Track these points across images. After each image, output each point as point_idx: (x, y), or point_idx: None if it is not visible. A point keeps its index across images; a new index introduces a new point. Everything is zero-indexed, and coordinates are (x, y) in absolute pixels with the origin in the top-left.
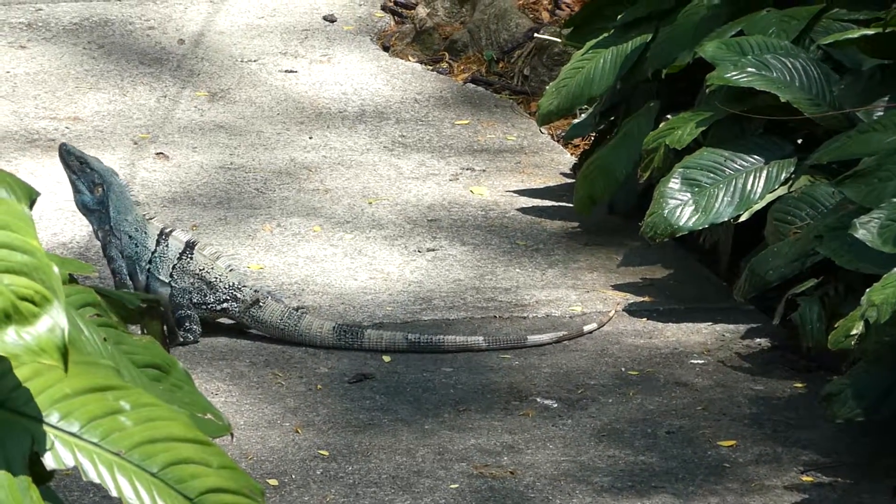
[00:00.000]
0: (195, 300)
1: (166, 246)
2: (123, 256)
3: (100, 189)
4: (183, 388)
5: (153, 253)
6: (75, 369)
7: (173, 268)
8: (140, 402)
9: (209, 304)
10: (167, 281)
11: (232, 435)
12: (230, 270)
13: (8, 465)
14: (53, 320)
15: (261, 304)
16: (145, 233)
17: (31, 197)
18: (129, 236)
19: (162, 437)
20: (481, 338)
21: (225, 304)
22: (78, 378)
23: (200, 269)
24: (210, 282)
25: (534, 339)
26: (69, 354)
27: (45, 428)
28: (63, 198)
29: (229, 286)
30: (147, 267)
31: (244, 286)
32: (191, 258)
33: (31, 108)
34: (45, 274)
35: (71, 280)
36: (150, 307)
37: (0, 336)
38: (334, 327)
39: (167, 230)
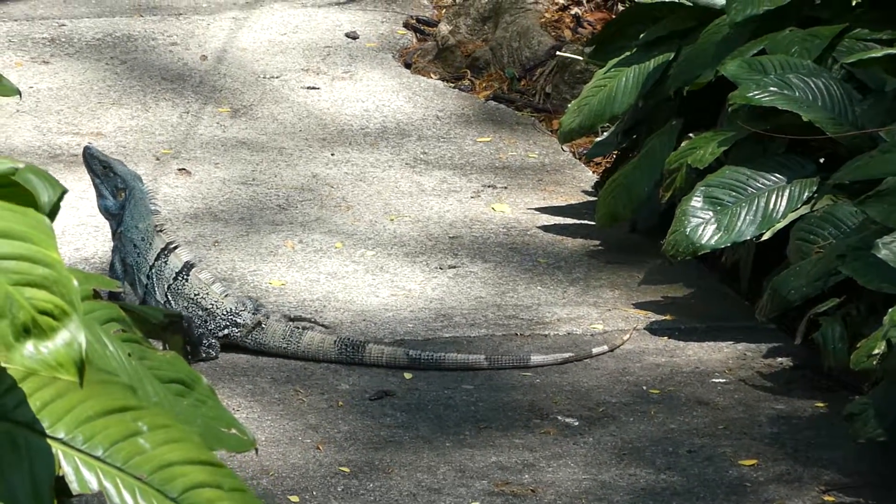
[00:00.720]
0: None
1: (165, 262)
2: (125, 265)
3: (122, 194)
4: (207, 403)
5: (151, 267)
6: (94, 389)
7: (168, 288)
8: (156, 423)
9: (210, 330)
10: (162, 303)
11: (256, 450)
12: (225, 296)
13: (35, 487)
14: (71, 334)
15: (262, 326)
16: (150, 244)
17: (61, 191)
18: (134, 245)
19: (179, 461)
20: (483, 356)
21: (226, 331)
22: (98, 399)
23: (195, 295)
24: (206, 308)
25: (537, 359)
26: (86, 371)
27: (71, 451)
28: (86, 213)
29: (227, 312)
30: (146, 283)
31: (243, 311)
32: (185, 280)
33: (54, 124)
34: (65, 287)
35: (95, 295)
36: (172, 322)
37: (18, 350)
38: (335, 342)
39: (171, 245)
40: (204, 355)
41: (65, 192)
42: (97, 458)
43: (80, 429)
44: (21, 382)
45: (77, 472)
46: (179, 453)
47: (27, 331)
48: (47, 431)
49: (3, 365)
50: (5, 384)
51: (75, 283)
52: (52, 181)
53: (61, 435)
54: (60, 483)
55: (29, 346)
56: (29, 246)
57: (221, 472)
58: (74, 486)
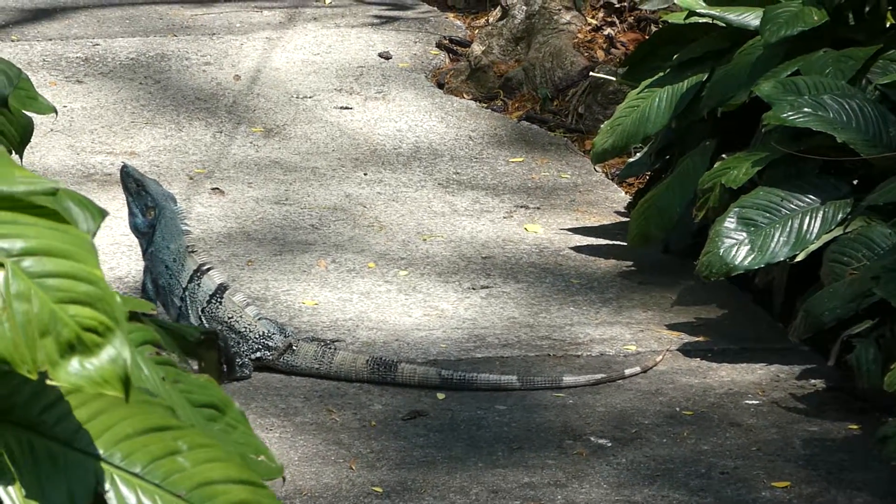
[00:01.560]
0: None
1: (198, 285)
2: (157, 286)
3: (152, 213)
4: (238, 428)
5: (184, 289)
6: (133, 408)
7: (202, 311)
8: (196, 442)
9: (242, 353)
10: (196, 325)
11: (284, 479)
12: (259, 319)
13: None
14: (116, 350)
15: (294, 348)
16: (182, 265)
17: (102, 215)
18: (166, 266)
19: (219, 479)
20: (515, 377)
21: (258, 354)
22: (138, 418)
23: (229, 318)
24: (240, 331)
25: (569, 380)
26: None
27: (109, 468)
28: (119, 232)
29: (260, 335)
30: (179, 305)
31: (274, 334)
32: (220, 303)
33: (88, 143)
34: (109, 304)
35: (131, 317)
36: (207, 339)
37: (64, 367)
38: (367, 361)
39: (204, 267)
40: (238, 374)
41: (104, 216)
42: (136, 476)
43: (118, 446)
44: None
45: (116, 489)
46: (219, 472)
47: (72, 348)
48: (86, 449)
49: (49, 382)
50: (46, 401)
51: (118, 299)
52: (92, 208)
53: (100, 452)
54: (99, 500)
55: (74, 363)
56: (72, 263)
57: (261, 491)
58: (113, 503)
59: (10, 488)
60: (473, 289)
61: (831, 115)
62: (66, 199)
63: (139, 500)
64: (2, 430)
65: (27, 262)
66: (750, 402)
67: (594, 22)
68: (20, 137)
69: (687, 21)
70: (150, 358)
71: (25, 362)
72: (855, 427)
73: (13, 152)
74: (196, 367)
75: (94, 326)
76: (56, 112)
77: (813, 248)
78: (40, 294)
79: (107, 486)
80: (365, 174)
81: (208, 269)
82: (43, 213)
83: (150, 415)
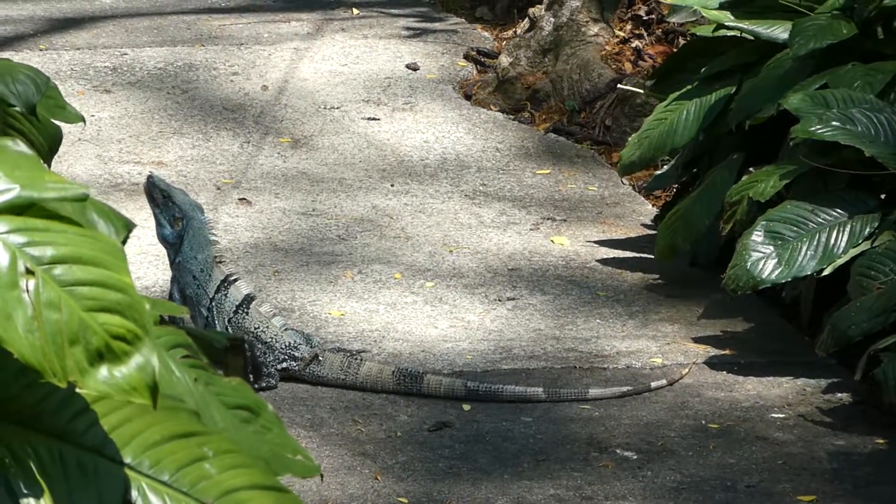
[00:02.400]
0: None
1: (225, 295)
2: (184, 296)
3: (180, 223)
4: (273, 429)
5: (211, 300)
6: (160, 415)
7: (228, 321)
8: (221, 448)
9: (269, 363)
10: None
11: (322, 476)
12: (285, 330)
13: None
14: (144, 359)
15: (320, 359)
16: (209, 276)
17: (128, 228)
18: (193, 276)
19: (244, 486)
20: (541, 389)
21: (284, 364)
22: (164, 424)
23: (255, 328)
24: (266, 342)
25: (595, 392)
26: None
27: (138, 476)
28: (146, 241)
29: (286, 346)
30: (206, 315)
31: (301, 344)
32: (246, 314)
33: (115, 152)
34: (138, 312)
35: (162, 321)
36: (233, 345)
37: (93, 374)
38: (393, 372)
39: (231, 278)
40: (264, 384)
41: (131, 229)
42: (163, 483)
43: (146, 454)
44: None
45: (144, 496)
46: (245, 478)
47: (101, 356)
48: (114, 456)
49: (78, 391)
50: (74, 408)
51: (147, 307)
52: (118, 220)
53: (128, 460)
54: None
55: (103, 371)
56: (101, 271)
57: (287, 497)
58: None
59: (41, 500)
60: (500, 300)
61: (860, 128)
62: (92, 210)
63: None
64: (32, 439)
65: (58, 271)
66: (776, 415)
67: (622, 34)
68: (48, 146)
69: (715, 34)
70: (182, 361)
71: (55, 371)
72: (882, 442)
73: (41, 161)
74: (223, 373)
75: (122, 334)
76: (84, 121)
77: (840, 262)
78: (70, 302)
79: (135, 494)
80: (392, 185)
81: (235, 280)
82: (72, 219)
83: (176, 420)
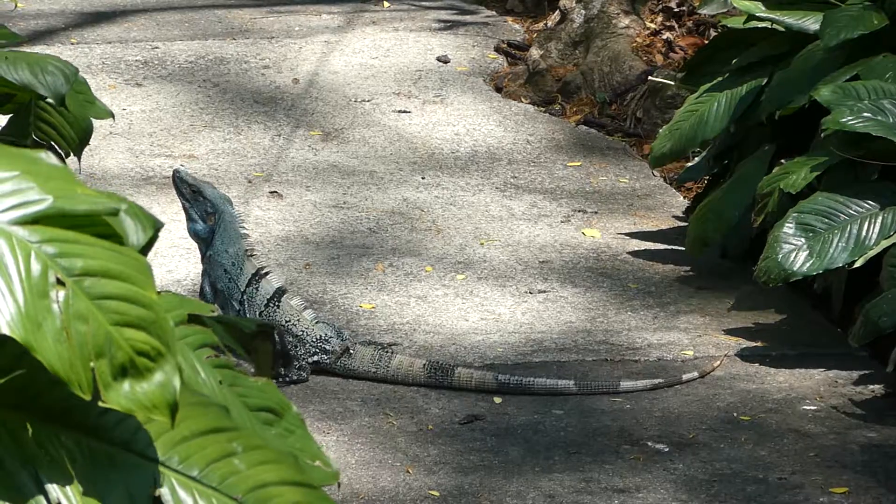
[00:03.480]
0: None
1: (256, 289)
2: (215, 290)
3: (212, 218)
4: (295, 432)
5: (242, 293)
6: (190, 411)
7: (260, 315)
8: (251, 444)
9: (300, 356)
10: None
11: (339, 484)
12: (316, 323)
13: None
14: (166, 376)
15: (351, 352)
16: (241, 269)
17: (155, 227)
18: (225, 270)
19: (274, 481)
20: (572, 381)
21: (315, 357)
22: (194, 420)
23: (287, 321)
24: (297, 335)
25: (627, 385)
26: (180, 399)
27: (167, 471)
28: (178, 235)
29: (317, 339)
30: (238, 308)
31: (332, 337)
32: (277, 307)
33: (147, 146)
34: (162, 329)
35: (191, 319)
36: (262, 331)
37: (115, 389)
38: (424, 365)
39: (262, 271)
40: (295, 377)
41: (159, 228)
42: (193, 479)
43: (175, 449)
44: None
45: (173, 491)
46: (274, 474)
47: (124, 371)
48: (144, 452)
49: (101, 404)
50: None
51: (172, 324)
52: (146, 220)
53: (157, 455)
54: (157, 502)
55: (125, 386)
56: (128, 286)
57: (316, 493)
58: None
59: (67, 488)
60: (531, 293)
61: (891, 119)
62: (122, 211)
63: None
64: (62, 433)
65: (87, 283)
66: (808, 407)
67: (653, 26)
68: (79, 139)
69: (746, 25)
70: (207, 361)
71: (80, 382)
72: None
73: (71, 154)
74: (251, 369)
75: (146, 350)
76: (113, 116)
77: (872, 253)
78: (98, 315)
79: (165, 489)
80: (423, 178)
81: (266, 273)
82: (101, 231)
83: (206, 416)
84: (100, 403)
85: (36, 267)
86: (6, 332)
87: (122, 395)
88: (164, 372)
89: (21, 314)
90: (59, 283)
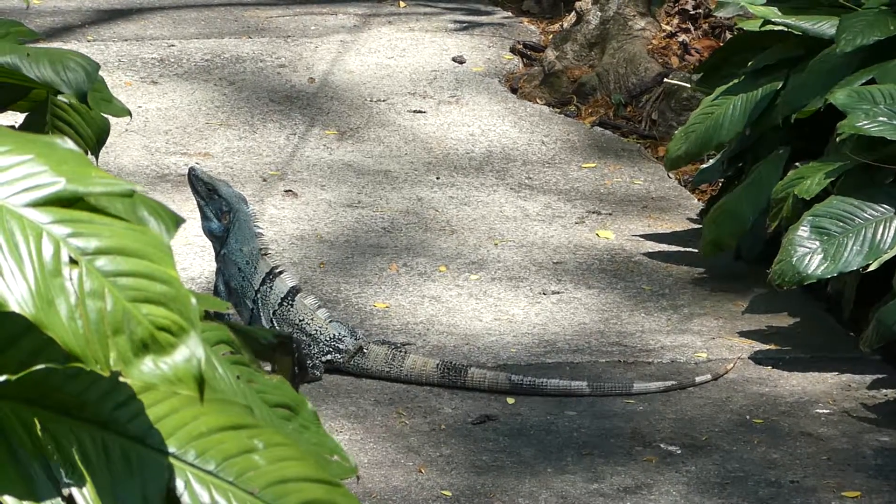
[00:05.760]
0: None
1: (270, 287)
2: (229, 288)
3: (227, 217)
4: (311, 428)
5: (256, 292)
6: (210, 407)
7: (273, 314)
8: (272, 441)
9: (312, 355)
10: (267, 328)
11: (358, 477)
12: (330, 322)
13: (146, 501)
14: (190, 350)
15: (364, 351)
16: (255, 268)
17: (177, 224)
18: (239, 268)
19: (293, 478)
20: (585, 383)
21: (328, 357)
22: (213, 416)
23: (300, 320)
24: (311, 334)
25: (640, 386)
26: (205, 387)
27: (183, 465)
28: (192, 232)
29: (330, 338)
30: (251, 307)
31: (345, 337)
32: (291, 306)
33: (162, 143)
34: (183, 304)
35: (206, 316)
36: (281, 343)
37: (137, 365)
38: (438, 365)
39: (277, 270)
40: (309, 377)
41: (179, 224)
42: (209, 473)
43: (192, 444)
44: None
45: (188, 486)
46: (294, 470)
47: (146, 346)
48: (159, 446)
49: (122, 380)
50: (118, 398)
51: (193, 300)
52: (167, 217)
53: (173, 450)
54: (172, 498)
55: (148, 362)
56: (146, 263)
57: (338, 491)
58: (185, 500)
59: (84, 489)
60: (544, 294)
61: None
62: (141, 206)
63: (212, 498)
64: (75, 428)
65: (101, 261)
66: (821, 411)
67: (668, 28)
68: (96, 138)
69: (762, 28)
70: (224, 357)
71: (98, 359)
72: None
73: (89, 153)
74: (269, 369)
75: (167, 326)
76: (130, 115)
77: (886, 257)
78: (114, 292)
79: (180, 483)
80: (437, 178)
81: (280, 272)
82: (118, 213)
83: (226, 413)
84: (121, 379)
85: (48, 247)
86: (16, 309)
87: (144, 371)
88: (188, 346)
89: (31, 293)
90: (73, 262)
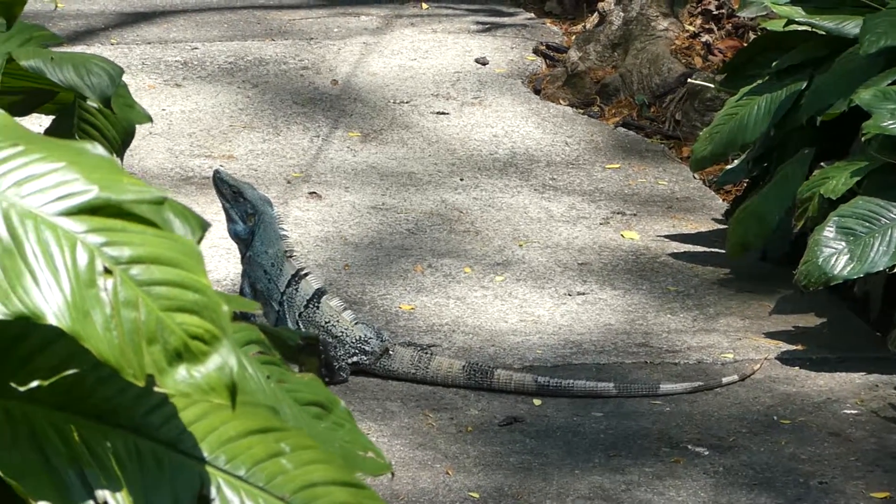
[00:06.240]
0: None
1: (296, 290)
2: (255, 290)
3: (252, 219)
4: (344, 426)
5: (282, 294)
6: (238, 410)
7: (299, 315)
8: (299, 444)
9: (339, 357)
10: (296, 330)
11: (392, 473)
12: (356, 324)
13: None
14: (223, 359)
15: (390, 353)
16: (280, 270)
17: (203, 228)
18: (264, 270)
19: (321, 481)
20: (612, 384)
21: (354, 358)
22: (241, 420)
23: (326, 322)
24: (337, 336)
25: (666, 387)
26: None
27: (214, 471)
28: (217, 235)
29: (356, 340)
30: (277, 309)
31: (371, 338)
32: (317, 308)
33: (186, 146)
34: (215, 312)
35: (236, 317)
36: (308, 344)
37: (171, 374)
38: (464, 367)
39: (302, 272)
40: (336, 378)
41: (206, 228)
42: (239, 478)
43: (222, 448)
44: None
45: (219, 491)
46: (322, 474)
47: (179, 355)
48: (190, 451)
49: (157, 389)
50: (150, 403)
51: (225, 308)
52: (194, 220)
53: (204, 454)
54: (202, 502)
55: (181, 371)
56: (179, 272)
57: (364, 493)
58: None
59: (118, 494)
60: (569, 295)
61: None
62: (168, 210)
63: (243, 503)
64: (109, 433)
65: (135, 270)
66: (848, 411)
67: (692, 28)
68: (121, 141)
69: (786, 28)
70: (254, 357)
71: (132, 368)
72: None
73: (114, 155)
74: (297, 370)
75: (200, 335)
76: (151, 121)
77: None
78: (148, 302)
79: (211, 489)
80: (461, 179)
81: (306, 274)
82: (150, 220)
83: (253, 416)
84: (155, 389)
85: (82, 257)
86: (53, 322)
87: (178, 381)
88: (220, 355)
89: (68, 304)
90: (107, 271)
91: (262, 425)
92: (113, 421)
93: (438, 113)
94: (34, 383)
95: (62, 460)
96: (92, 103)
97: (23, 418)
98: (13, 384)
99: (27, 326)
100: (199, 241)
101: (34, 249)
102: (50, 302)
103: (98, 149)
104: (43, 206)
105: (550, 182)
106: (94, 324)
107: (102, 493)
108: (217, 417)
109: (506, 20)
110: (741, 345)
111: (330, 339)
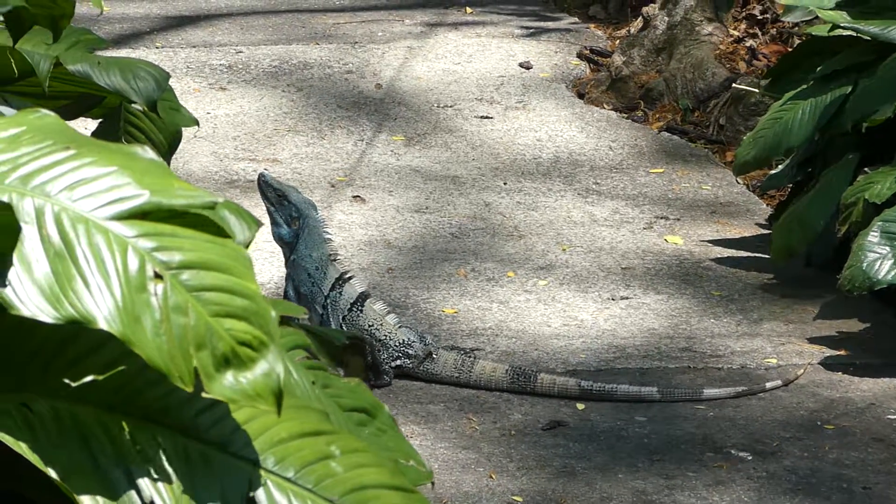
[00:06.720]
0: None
1: (339, 293)
2: (299, 294)
3: (297, 223)
4: (387, 432)
5: (326, 297)
6: (288, 413)
7: (343, 319)
8: (349, 447)
9: (383, 360)
10: (339, 330)
11: (433, 483)
12: (399, 327)
13: None
14: (270, 365)
15: (433, 356)
16: (324, 273)
17: (258, 225)
18: (308, 274)
19: (371, 485)
20: (655, 389)
21: (398, 362)
22: (292, 422)
23: (370, 325)
24: (380, 339)
25: (710, 392)
26: (284, 399)
27: (263, 472)
28: (261, 238)
29: (400, 343)
30: (321, 312)
31: (414, 342)
32: (361, 311)
33: (231, 150)
34: (263, 319)
35: (282, 322)
36: (352, 343)
37: (219, 380)
38: (507, 370)
39: (346, 276)
40: (379, 381)
41: (260, 226)
42: (288, 480)
43: (271, 450)
44: (216, 405)
45: (268, 493)
46: (372, 477)
47: (227, 361)
48: (240, 453)
49: (205, 395)
50: (201, 404)
51: (273, 314)
52: (248, 218)
53: (255, 456)
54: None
55: (229, 377)
56: (228, 277)
57: (414, 497)
58: None
59: (161, 486)
60: (613, 299)
61: None
62: (223, 208)
63: None
64: (158, 433)
65: (185, 276)
66: (892, 416)
67: (736, 33)
68: (168, 145)
69: (830, 33)
70: (300, 362)
71: (181, 374)
72: None
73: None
74: (342, 372)
75: (248, 341)
76: (198, 124)
77: None
78: (197, 307)
79: (259, 490)
80: (504, 183)
81: (350, 278)
82: (200, 224)
83: (304, 419)
84: (203, 395)
85: (133, 261)
86: (104, 327)
87: (225, 386)
88: (268, 361)
89: (119, 309)
90: (157, 276)
91: (314, 428)
92: (163, 421)
93: (482, 117)
94: (87, 378)
95: (109, 458)
96: (138, 107)
97: (70, 418)
98: (65, 380)
99: (76, 330)
100: (252, 238)
101: (85, 254)
102: (101, 306)
103: (149, 153)
104: (94, 210)
105: (594, 186)
106: (143, 329)
107: (149, 491)
108: (267, 420)
109: (550, 24)
110: (785, 350)
111: (374, 343)
